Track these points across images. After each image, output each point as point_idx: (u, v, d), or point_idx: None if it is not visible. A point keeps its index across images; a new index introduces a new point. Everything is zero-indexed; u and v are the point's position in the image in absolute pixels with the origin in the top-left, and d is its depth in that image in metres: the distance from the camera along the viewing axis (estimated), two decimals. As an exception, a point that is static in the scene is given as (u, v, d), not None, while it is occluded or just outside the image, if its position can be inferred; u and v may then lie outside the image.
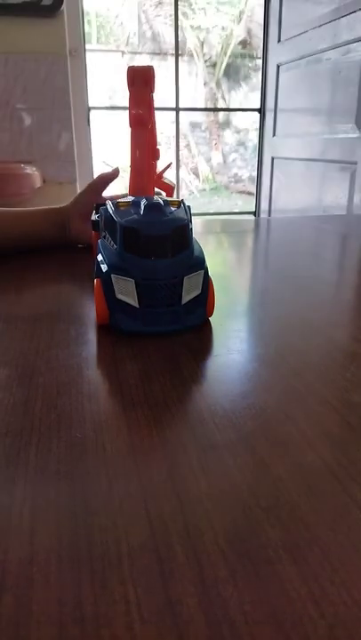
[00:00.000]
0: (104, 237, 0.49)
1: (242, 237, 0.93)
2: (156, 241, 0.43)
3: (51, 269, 0.67)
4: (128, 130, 0.49)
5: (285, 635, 0.18)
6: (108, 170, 0.75)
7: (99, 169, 2.67)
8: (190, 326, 0.45)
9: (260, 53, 2.71)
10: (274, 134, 2.68)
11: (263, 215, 2.83)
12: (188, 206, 0.49)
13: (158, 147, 0.56)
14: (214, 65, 4.86)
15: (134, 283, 0.43)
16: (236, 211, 4.47)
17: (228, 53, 4.83)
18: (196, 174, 5.58)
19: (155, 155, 0.55)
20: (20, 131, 2.24)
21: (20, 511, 0.24)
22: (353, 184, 2.01)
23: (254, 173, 2.94)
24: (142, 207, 0.44)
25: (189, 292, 0.45)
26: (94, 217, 0.60)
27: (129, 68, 0.49)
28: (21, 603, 0.19)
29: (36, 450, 0.28)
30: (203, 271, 0.45)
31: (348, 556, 0.21)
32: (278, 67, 2.53)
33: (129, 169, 0.51)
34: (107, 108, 3.00)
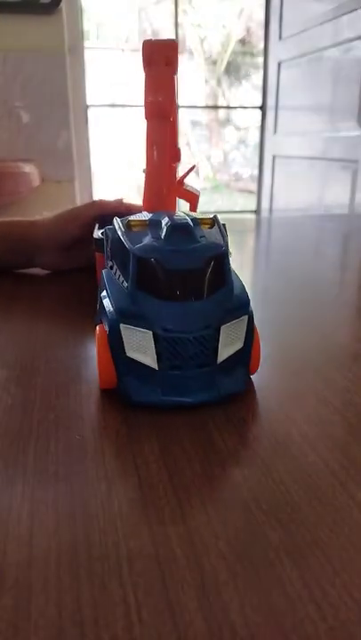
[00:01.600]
0: (110, 268, 0.37)
1: (243, 236, 0.92)
2: (183, 277, 0.32)
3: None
4: (143, 123, 0.39)
5: (286, 637, 0.18)
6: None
7: (97, 167, 2.67)
8: (228, 395, 0.33)
9: (261, 50, 2.71)
10: (275, 132, 2.67)
11: (264, 214, 2.83)
12: (223, 224, 0.36)
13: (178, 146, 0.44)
14: (215, 62, 4.84)
15: (152, 335, 0.31)
16: (237, 209, 4.46)
17: (229, 51, 4.81)
18: (197, 173, 5.57)
19: (176, 155, 0.42)
20: (19, 129, 2.23)
21: (19, 513, 0.24)
22: (355, 183, 2.00)
23: (255, 172, 2.93)
24: (164, 229, 0.33)
25: (228, 347, 0.33)
26: (97, 234, 0.48)
27: (145, 42, 0.37)
28: (20, 605, 0.19)
29: (35, 451, 0.28)
30: (247, 316, 0.34)
31: (349, 558, 0.21)
32: (279, 64, 2.53)
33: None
34: (106, 105, 2.99)
